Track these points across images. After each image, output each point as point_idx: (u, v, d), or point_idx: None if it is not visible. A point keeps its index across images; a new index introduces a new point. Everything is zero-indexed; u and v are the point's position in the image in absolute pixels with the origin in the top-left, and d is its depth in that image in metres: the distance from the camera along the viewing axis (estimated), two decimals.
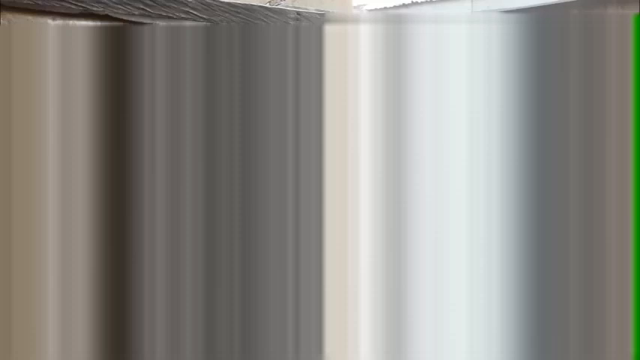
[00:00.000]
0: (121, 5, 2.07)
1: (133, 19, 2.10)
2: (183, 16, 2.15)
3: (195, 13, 2.16)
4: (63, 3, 2.01)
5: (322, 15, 2.27)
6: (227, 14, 2.17)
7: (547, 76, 2.30)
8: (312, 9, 2.28)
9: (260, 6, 2.17)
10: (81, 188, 2.17)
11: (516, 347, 2.30)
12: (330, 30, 2.27)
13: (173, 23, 2.14)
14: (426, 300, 2.30)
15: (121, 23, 2.10)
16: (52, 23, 2.05)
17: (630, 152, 2.29)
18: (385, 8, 2.08)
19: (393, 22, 2.30)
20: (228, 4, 2.15)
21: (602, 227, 2.29)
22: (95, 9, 2.05)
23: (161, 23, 2.13)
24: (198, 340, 2.24)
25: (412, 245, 2.31)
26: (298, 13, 2.24)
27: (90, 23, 2.07)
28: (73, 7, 2.04)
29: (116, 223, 2.19)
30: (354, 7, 2.28)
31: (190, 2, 2.13)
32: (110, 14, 2.08)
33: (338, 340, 2.30)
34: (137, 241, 2.21)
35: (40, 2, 1.99)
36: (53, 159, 2.14)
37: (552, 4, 2.15)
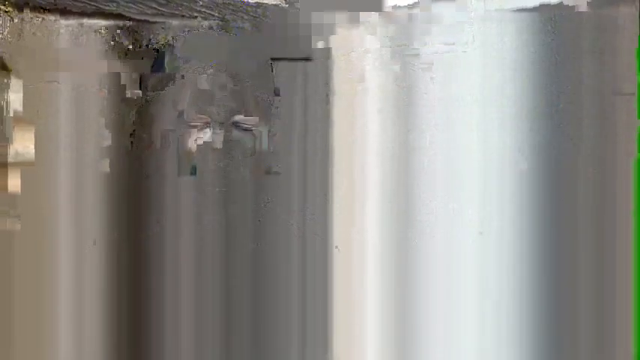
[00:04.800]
0: (134, 4, 2.06)
1: (145, 17, 2.09)
2: (195, 14, 2.14)
3: (207, 11, 2.15)
4: (76, 2, 2.00)
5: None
6: (240, 13, 2.16)
7: (560, 74, 2.30)
8: None
9: (274, 5, 2.16)
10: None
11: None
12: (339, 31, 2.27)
13: (186, 22, 2.13)
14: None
15: (134, 22, 2.09)
16: (65, 22, 2.04)
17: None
18: (395, 7, 2.06)
19: (403, 22, 2.30)
20: (241, 1, 2.14)
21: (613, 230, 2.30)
22: (108, 8, 2.04)
23: (174, 22, 2.12)
24: None
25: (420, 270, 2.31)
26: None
27: (103, 22, 2.05)
28: (86, 5, 2.03)
29: None
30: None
31: (203, 1, 2.12)
32: (123, 13, 2.07)
33: None
34: None
35: (52, 0, 1.98)
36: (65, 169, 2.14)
37: (565, 4, 2.15)
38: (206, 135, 2.23)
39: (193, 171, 2.24)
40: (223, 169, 2.26)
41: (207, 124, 2.24)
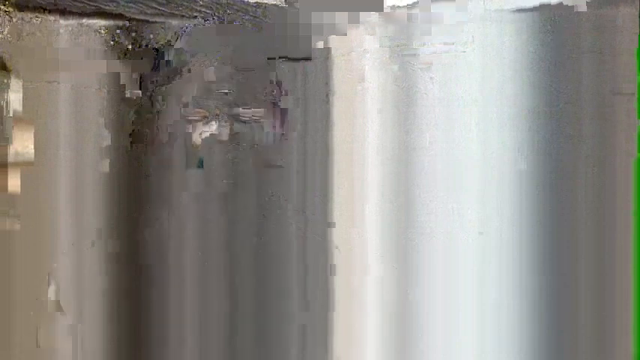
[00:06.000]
0: (134, 4, 2.06)
1: (145, 17, 2.09)
2: (195, 14, 2.14)
3: (207, 11, 2.15)
4: (76, 3, 2.00)
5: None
6: (240, 13, 2.16)
7: (559, 74, 2.30)
8: None
9: (273, 5, 2.16)
10: None
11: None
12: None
13: (186, 21, 2.13)
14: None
15: (134, 22, 2.09)
16: (64, 22, 2.04)
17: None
18: (395, 7, 2.05)
19: (403, 22, 2.30)
20: (241, 1, 2.14)
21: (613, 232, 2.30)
22: (108, 8, 2.04)
23: (174, 21, 2.12)
24: None
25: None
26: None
27: (102, 22, 2.05)
28: (86, 6, 2.02)
29: None
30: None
31: (204, 1, 2.12)
32: (123, 13, 2.07)
33: None
34: None
35: (52, 1, 1.97)
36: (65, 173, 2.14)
37: (564, 4, 2.15)
38: (212, 127, 2.23)
39: (200, 164, 2.24)
40: (229, 162, 2.26)
41: (214, 116, 2.24)
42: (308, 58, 2.27)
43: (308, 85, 2.30)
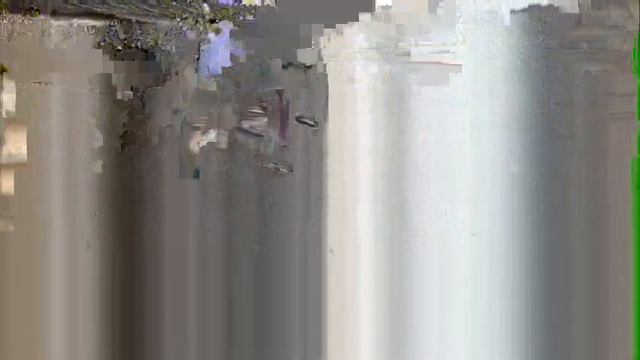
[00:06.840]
0: (125, 5, 2.07)
1: (136, 18, 2.10)
2: (185, 16, 2.15)
3: (198, 13, 2.16)
4: (67, 5, 2.01)
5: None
6: (231, 14, 2.17)
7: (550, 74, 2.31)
8: None
9: (264, 7, 2.17)
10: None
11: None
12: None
13: (178, 23, 2.14)
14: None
15: (125, 23, 2.10)
16: (56, 22, 2.05)
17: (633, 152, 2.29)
18: (386, 7, 2.05)
19: (394, 23, 2.31)
20: (233, 6, 2.15)
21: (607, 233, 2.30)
22: (99, 9, 2.05)
23: (165, 22, 2.13)
24: None
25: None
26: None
27: (94, 23, 2.07)
28: (77, 8, 2.04)
29: None
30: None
31: (195, 2, 2.13)
32: (114, 14, 2.08)
33: None
34: None
35: (42, 1, 1.99)
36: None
37: (556, 5, 2.15)
38: (210, 136, 2.24)
39: (196, 174, 2.24)
40: (227, 171, 2.26)
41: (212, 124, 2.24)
42: (311, 65, 2.28)
43: (307, 90, 2.30)
